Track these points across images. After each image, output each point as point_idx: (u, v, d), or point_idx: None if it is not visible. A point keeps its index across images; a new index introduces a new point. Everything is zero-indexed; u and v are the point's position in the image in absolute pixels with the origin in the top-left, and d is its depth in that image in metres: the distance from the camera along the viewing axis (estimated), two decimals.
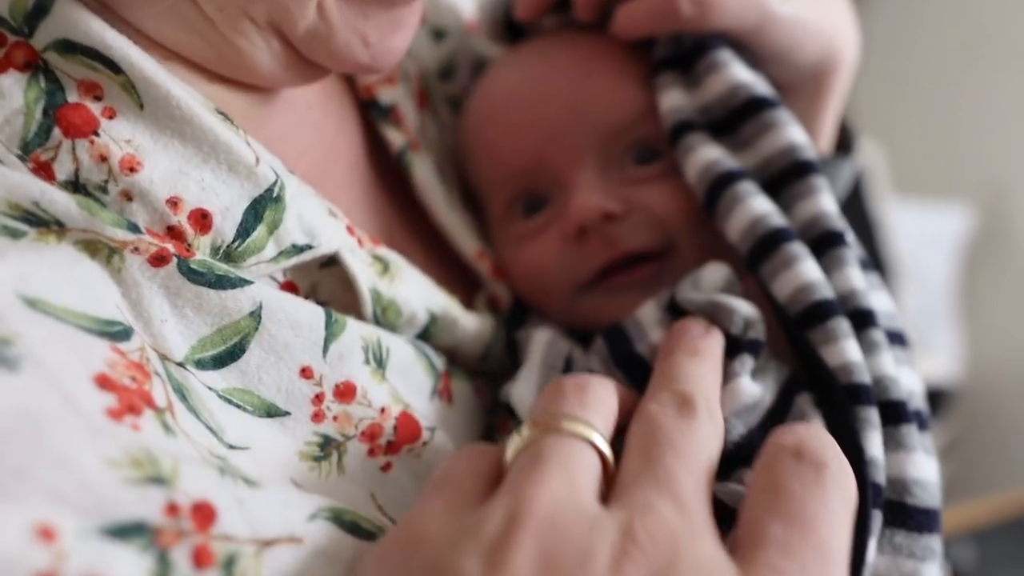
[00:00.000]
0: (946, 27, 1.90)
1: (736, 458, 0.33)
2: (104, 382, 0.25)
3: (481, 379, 0.43)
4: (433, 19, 0.52)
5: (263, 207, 0.32)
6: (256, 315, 0.31)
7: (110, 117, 0.30)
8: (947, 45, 1.93)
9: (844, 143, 0.53)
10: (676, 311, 0.38)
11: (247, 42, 0.32)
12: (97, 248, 0.29)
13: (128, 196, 0.30)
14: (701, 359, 0.33)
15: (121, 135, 0.30)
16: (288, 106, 0.40)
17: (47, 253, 0.27)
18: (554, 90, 0.44)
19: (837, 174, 0.50)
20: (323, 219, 0.35)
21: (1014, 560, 1.39)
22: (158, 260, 0.29)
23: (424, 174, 0.45)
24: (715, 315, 0.36)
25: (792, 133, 0.40)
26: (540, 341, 0.41)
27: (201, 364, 0.31)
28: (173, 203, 0.30)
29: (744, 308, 0.36)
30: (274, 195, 0.33)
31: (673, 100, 0.43)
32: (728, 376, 0.35)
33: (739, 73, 0.42)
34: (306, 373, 0.33)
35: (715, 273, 0.39)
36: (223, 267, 0.31)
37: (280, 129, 0.38)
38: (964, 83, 1.86)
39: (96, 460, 0.24)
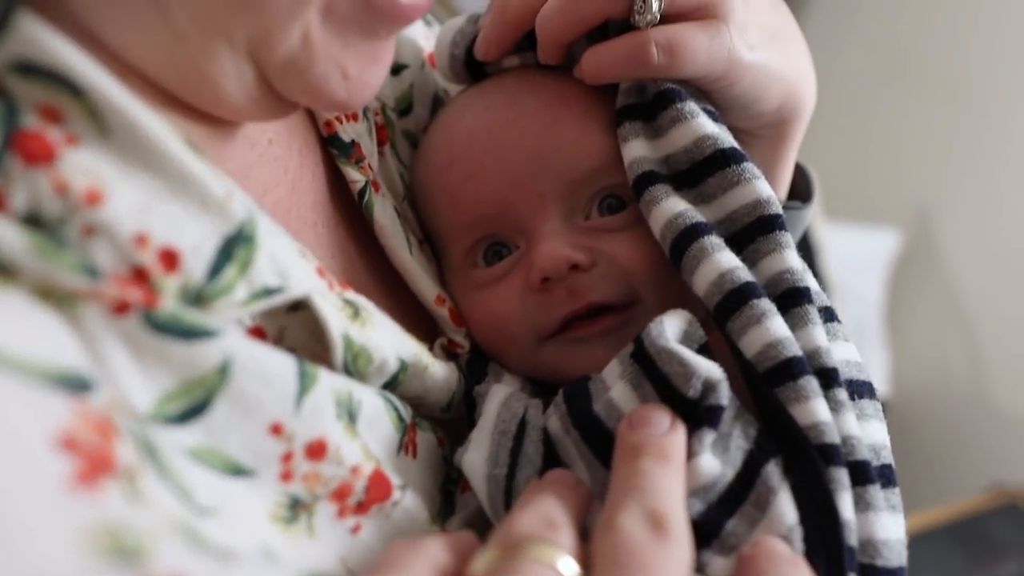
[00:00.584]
0: (869, 56, 1.97)
1: (696, 538, 0.32)
2: (65, 443, 0.24)
3: (442, 429, 0.42)
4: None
5: (235, 246, 0.30)
6: (224, 369, 0.29)
7: (71, 144, 0.27)
8: (871, 74, 2.01)
9: (800, 185, 0.53)
10: (642, 358, 0.37)
11: (217, 66, 0.31)
12: (54, 295, 0.26)
13: (90, 231, 0.27)
14: (668, 466, 0.32)
15: (83, 164, 0.27)
16: (249, 141, 0.38)
17: None
18: (520, 135, 0.43)
19: (798, 223, 0.50)
20: (295, 260, 0.33)
21: (939, 572, 1.45)
22: (119, 309, 0.27)
23: (384, 216, 0.43)
24: (673, 378, 0.34)
25: (759, 188, 0.40)
26: (494, 402, 0.40)
27: (167, 420, 0.29)
28: (139, 240, 0.28)
29: (705, 367, 0.34)
30: (246, 233, 0.31)
31: (637, 151, 0.42)
32: (688, 452, 0.33)
33: (705, 125, 0.41)
34: (276, 430, 0.31)
35: (677, 321, 0.38)
36: (191, 316, 0.29)
37: (242, 164, 0.37)
38: (890, 111, 1.93)
39: (57, 538, 0.22)
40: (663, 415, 0.34)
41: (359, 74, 0.34)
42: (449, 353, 0.45)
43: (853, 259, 1.83)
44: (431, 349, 0.43)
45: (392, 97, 0.50)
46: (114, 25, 0.29)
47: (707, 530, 0.33)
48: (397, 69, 0.51)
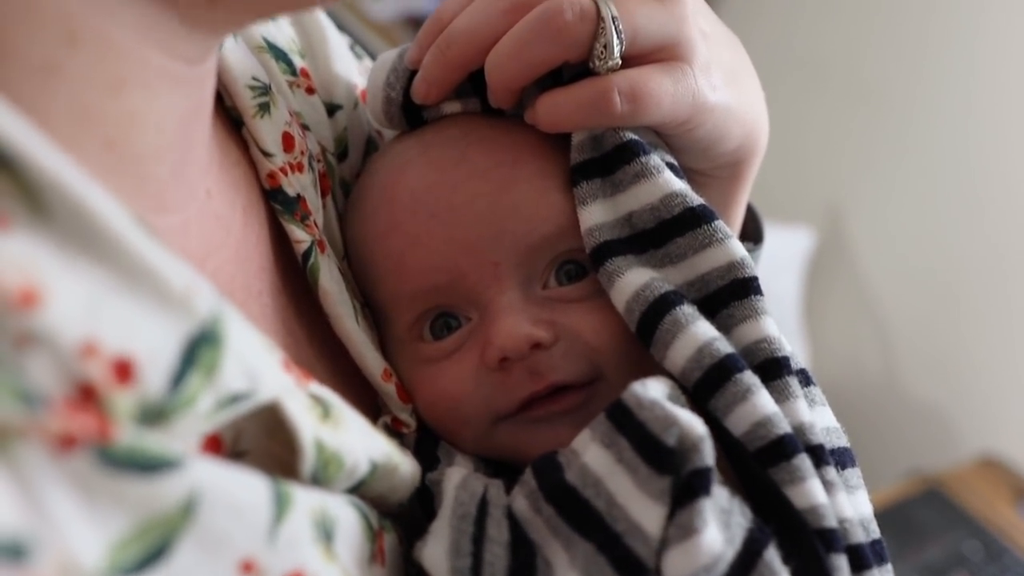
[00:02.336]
0: (766, 56, 2.03)
1: None
2: None
3: (399, 523, 0.38)
4: (326, 93, 0.46)
5: (198, 348, 0.25)
6: (189, 506, 0.25)
7: (1, 229, 0.22)
8: (769, 75, 2.06)
9: (748, 225, 0.52)
10: (615, 414, 0.34)
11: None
12: None
13: (25, 341, 0.21)
14: None
15: (13, 255, 0.21)
16: (188, 187, 0.33)
17: None
18: (470, 198, 0.39)
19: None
20: (262, 357, 0.28)
21: None
22: (65, 444, 0.22)
23: (329, 282, 0.39)
24: (650, 424, 0.32)
25: (732, 249, 0.38)
26: (450, 486, 0.37)
27: (123, 571, 0.24)
28: (87, 349, 0.22)
29: (686, 417, 0.32)
30: (211, 332, 0.25)
31: (594, 216, 0.39)
32: (684, 529, 0.31)
33: (671, 181, 0.39)
34: (248, 567, 0.26)
35: (660, 386, 0.35)
36: (151, 445, 0.24)
37: (181, 217, 0.32)
38: (791, 111, 1.98)
39: None
40: None
41: None
42: (392, 432, 0.41)
43: (770, 258, 1.86)
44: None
45: (331, 140, 0.46)
46: None
47: None
48: (331, 110, 0.46)
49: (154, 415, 0.24)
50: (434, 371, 0.40)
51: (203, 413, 0.26)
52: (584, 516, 0.32)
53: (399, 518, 0.38)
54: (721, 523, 0.31)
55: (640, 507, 0.31)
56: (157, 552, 0.24)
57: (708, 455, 0.32)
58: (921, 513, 1.54)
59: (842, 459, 0.37)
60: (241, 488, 0.26)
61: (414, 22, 2.13)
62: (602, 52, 0.37)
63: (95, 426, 0.23)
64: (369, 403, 0.41)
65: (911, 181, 1.87)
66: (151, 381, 0.24)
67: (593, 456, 0.33)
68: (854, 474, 0.37)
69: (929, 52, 1.80)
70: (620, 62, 0.38)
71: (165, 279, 0.25)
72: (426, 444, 0.40)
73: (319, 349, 0.40)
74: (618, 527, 0.32)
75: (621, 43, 0.37)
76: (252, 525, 0.27)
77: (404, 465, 0.36)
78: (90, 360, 0.22)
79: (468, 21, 0.39)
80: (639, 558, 0.31)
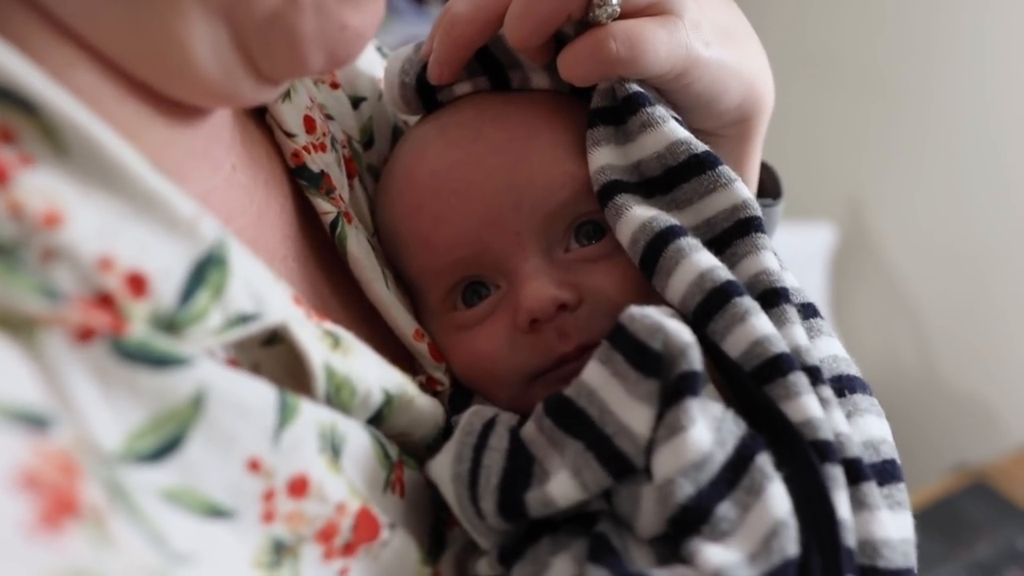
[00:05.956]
0: (780, 53, 2.02)
1: (684, 523, 0.31)
2: (25, 482, 0.22)
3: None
4: (350, 87, 0.49)
5: (206, 269, 0.28)
6: (198, 401, 0.27)
7: (26, 165, 0.25)
8: (784, 71, 2.05)
9: (766, 183, 0.53)
10: (613, 336, 0.35)
11: (185, 27, 0.28)
12: (10, 322, 0.24)
13: (49, 255, 0.25)
14: None
15: (39, 185, 0.25)
16: (212, 162, 0.35)
17: None
18: (488, 172, 0.42)
19: (771, 220, 0.49)
20: (270, 286, 0.31)
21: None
22: (84, 335, 0.25)
23: (358, 248, 0.42)
24: (639, 334, 0.33)
25: (737, 191, 0.39)
26: (465, 414, 0.39)
27: (138, 458, 0.26)
28: (104, 263, 0.26)
29: (672, 324, 0.33)
30: (217, 256, 0.29)
31: (602, 158, 0.41)
32: (671, 428, 0.32)
33: (676, 130, 0.40)
34: (254, 466, 0.29)
35: (654, 310, 0.36)
36: (162, 343, 0.27)
37: (204, 187, 0.34)
38: (807, 107, 1.96)
39: None
40: None
41: (361, 23, 0.31)
42: (428, 391, 0.42)
43: (793, 257, 1.84)
44: None
45: (356, 129, 0.48)
46: None
47: (696, 516, 0.31)
48: (356, 102, 0.49)
49: (166, 325, 0.27)
50: (469, 336, 0.42)
51: (213, 328, 0.28)
52: (576, 421, 0.34)
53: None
54: (711, 428, 0.32)
55: (629, 410, 0.33)
56: (171, 444, 0.27)
57: (695, 360, 0.33)
58: (969, 508, 1.49)
59: (851, 384, 0.37)
60: (247, 390, 0.29)
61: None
62: (600, 1, 0.40)
63: (110, 321, 0.25)
64: (404, 367, 0.42)
65: (933, 170, 1.84)
66: (163, 295, 0.27)
67: (589, 371, 0.35)
68: (864, 399, 0.37)
69: (942, 41, 1.77)
70: (619, 11, 0.40)
71: (173, 207, 0.28)
72: (460, 398, 0.43)
73: (350, 313, 0.42)
74: (608, 430, 0.33)
75: None
76: (258, 426, 0.29)
77: (420, 399, 0.37)
78: (107, 273, 0.26)
79: (469, 1, 0.42)
80: (626, 455, 0.33)
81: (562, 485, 0.33)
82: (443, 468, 0.36)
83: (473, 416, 0.38)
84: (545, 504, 0.34)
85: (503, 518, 0.34)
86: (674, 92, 0.42)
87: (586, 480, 0.33)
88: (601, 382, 0.34)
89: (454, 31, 0.43)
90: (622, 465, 0.33)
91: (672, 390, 0.33)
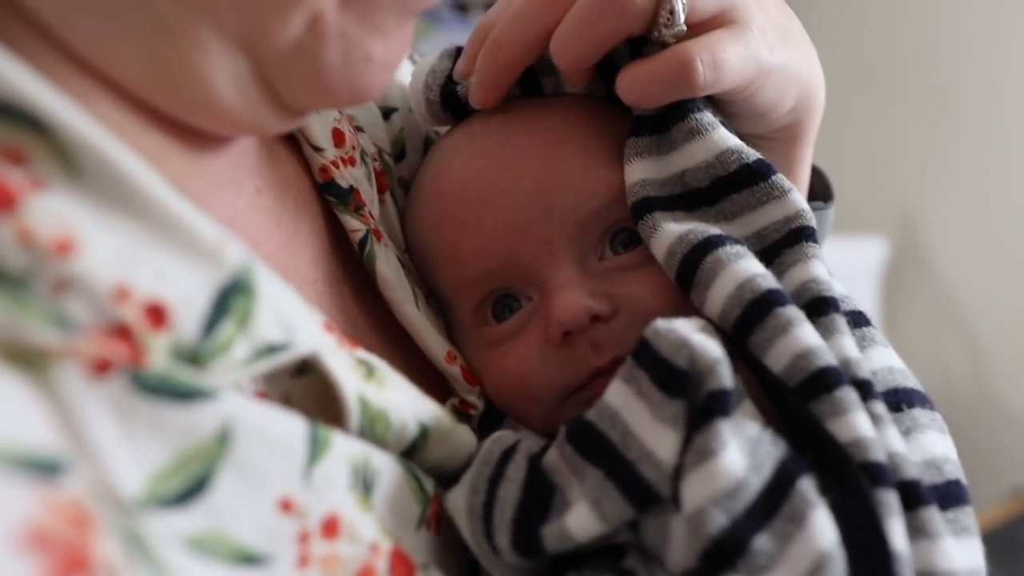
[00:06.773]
0: (836, 65, 1.98)
1: (717, 557, 0.28)
2: (33, 540, 0.20)
3: None
4: (381, 98, 0.48)
5: (231, 297, 0.26)
6: (224, 437, 0.25)
7: (37, 188, 0.23)
8: (839, 83, 2.01)
9: (816, 186, 0.51)
10: (638, 353, 0.33)
11: (204, 58, 0.27)
12: (20, 356, 0.22)
13: (62, 285, 0.23)
14: None
15: (51, 210, 0.23)
16: (235, 186, 0.34)
17: None
18: (516, 179, 0.39)
19: (823, 223, 0.47)
20: (300, 312, 0.29)
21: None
22: (100, 368, 0.23)
23: (387, 268, 0.40)
24: (663, 351, 0.31)
25: (793, 202, 0.37)
26: (487, 442, 0.37)
27: (162, 503, 0.24)
28: (120, 293, 0.24)
29: (699, 339, 0.31)
30: (243, 282, 0.27)
31: (639, 172, 0.39)
32: (700, 453, 0.30)
33: (727, 138, 0.38)
34: (287, 506, 0.27)
35: (690, 324, 0.34)
36: (185, 375, 0.25)
37: (228, 211, 0.33)
38: (863, 118, 1.92)
39: None
40: None
41: (387, 54, 0.30)
42: (461, 414, 0.40)
43: (844, 270, 1.80)
44: None
45: (387, 141, 0.47)
46: (80, 18, 0.25)
47: (730, 549, 0.28)
48: (387, 113, 0.48)
49: (189, 357, 0.25)
50: (500, 353, 0.40)
51: (239, 360, 0.26)
52: (596, 446, 0.32)
53: None
54: (746, 450, 0.30)
55: (653, 434, 0.31)
56: (197, 485, 0.25)
57: (724, 377, 0.30)
58: None
59: (908, 398, 0.35)
60: (275, 424, 0.27)
61: None
62: (668, 19, 0.37)
63: (128, 352, 0.24)
64: (437, 391, 0.40)
65: (988, 183, 1.78)
66: (184, 326, 0.25)
67: (612, 391, 0.33)
68: (925, 414, 0.35)
69: (1000, 51, 1.73)
70: (685, 29, 0.37)
71: (195, 231, 0.26)
72: (489, 422, 0.40)
73: (381, 336, 0.41)
74: (630, 456, 0.31)
75: (684, 7, 0.37)
76: (288, 462, 0.27)
77: (458, 431, 0.36)
78: (123, 304, 0.24)
79: (514, 20, 0.40)
80: (649, 484, 0.30)
81: (580, 517, 0.31)
82: (458, 501, 0.34)
83: (493, 444, 0.36)
84: (563, 538, 0.31)
85: (519, 554, 0.32)
86: (732, 103, 0.40)
87: (606, 512, 0.31)
88: (624, 403, 0.32)
89: (500, 52, 0.40)
90: (645, 495, 0.30)
91: (700, 411, 0.30)
